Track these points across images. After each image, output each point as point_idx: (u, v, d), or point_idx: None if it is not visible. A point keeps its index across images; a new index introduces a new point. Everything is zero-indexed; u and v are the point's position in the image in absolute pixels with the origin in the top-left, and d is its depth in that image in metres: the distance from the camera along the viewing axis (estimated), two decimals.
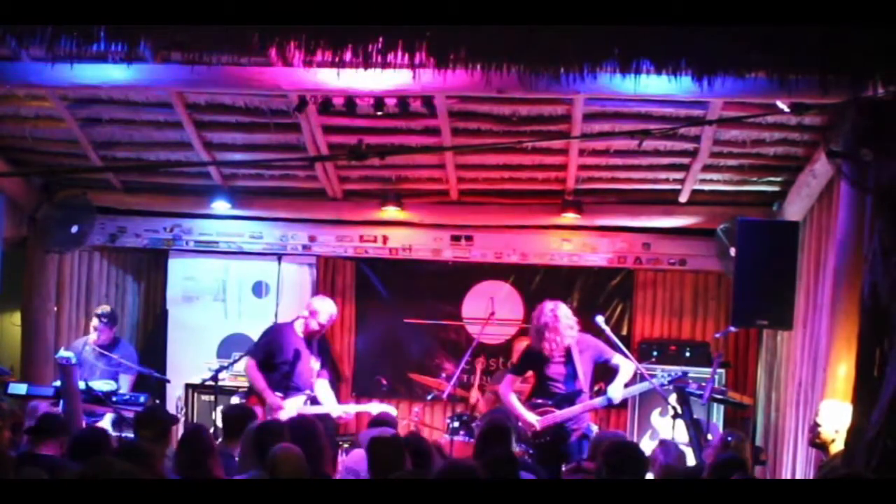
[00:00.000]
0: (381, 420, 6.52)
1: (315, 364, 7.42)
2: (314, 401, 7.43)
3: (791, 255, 6.94)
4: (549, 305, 7.11)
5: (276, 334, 7.51)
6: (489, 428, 5.76)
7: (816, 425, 5.74)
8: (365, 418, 9.44)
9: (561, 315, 7.02)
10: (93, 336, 8.28)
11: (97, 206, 9.17)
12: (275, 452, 4.70)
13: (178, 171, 9.29)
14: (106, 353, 8.20)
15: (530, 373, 7.42)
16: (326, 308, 7.42)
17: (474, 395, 8.84)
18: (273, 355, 7.33)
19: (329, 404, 7.48)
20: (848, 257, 6.04)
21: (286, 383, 7.29)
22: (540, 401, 7.07)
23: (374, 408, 7.65)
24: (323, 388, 7.51)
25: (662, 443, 6.19)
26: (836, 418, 5.59)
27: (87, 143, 8.49)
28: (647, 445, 7.90)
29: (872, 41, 4.96)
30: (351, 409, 7.78)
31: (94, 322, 8.35)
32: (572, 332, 7.04)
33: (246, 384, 8.27)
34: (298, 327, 7.43)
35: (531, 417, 6.97)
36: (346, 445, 8.25)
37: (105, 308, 8.52)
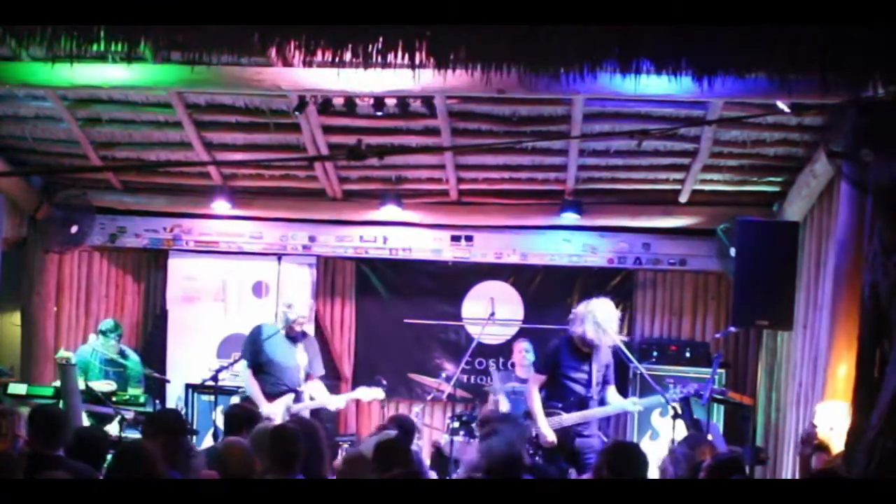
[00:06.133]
0: (398, 419, 6.53)
1: (301, 361, 7.45)
2: (300, 399, 7.45)
3: (791, 255, 6.93)
4: (593, 300, 6.99)
5: (254, 334, 7.56)
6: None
7: (813, 426, 5.74)
8: (365, 418, 9.49)
9: (590, 309, 6.84)
10: (101, 345, 8.21)
11: (97, 206, 9.17)
12: (218, 448, 4.69)
13: (178, 171, 9.28)
14: (119, 360, 8.19)
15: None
16: (297, 303, 7.54)
17: None
18: (257, 355, 7.40)
19: (322, 399, 7.53)
20: (848, 257, 6.03)
21: (272, 381, 7.35)
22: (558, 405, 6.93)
23: (363, 394, 7.71)
24: (314, 386, 7.55)
25: (670, 452, 6.10)
26: (831, 420, 5.58)
27: (87, 143, 8.50)
28: (647, 446, 7.91)
29: (872, 41, 4.95)
30: (342, 399, 7.79)
31: (104, 339, 8.20)
32: (603, 335, 6.80)
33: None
34: (280, 324, 7.51)
35: (549, 433, 6.77)
36: (346, 445, 8.26)
37: (108, 323, 8.38)
